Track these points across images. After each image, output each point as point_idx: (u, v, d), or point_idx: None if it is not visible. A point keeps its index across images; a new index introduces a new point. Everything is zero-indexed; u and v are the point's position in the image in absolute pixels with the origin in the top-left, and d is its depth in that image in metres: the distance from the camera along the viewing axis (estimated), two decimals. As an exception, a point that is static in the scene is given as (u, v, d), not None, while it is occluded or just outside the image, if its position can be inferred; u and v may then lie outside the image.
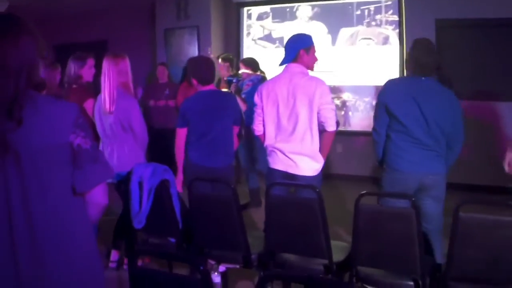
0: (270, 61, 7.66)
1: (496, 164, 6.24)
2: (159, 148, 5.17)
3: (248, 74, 5.73)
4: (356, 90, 7.25)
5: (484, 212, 2.49)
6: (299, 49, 3.44)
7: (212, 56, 6.96)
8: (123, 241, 3.94)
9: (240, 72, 5.88)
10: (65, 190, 1.65)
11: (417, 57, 3.21)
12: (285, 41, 3.57)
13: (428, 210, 3.17)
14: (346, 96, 7.32)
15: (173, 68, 7.83)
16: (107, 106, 3.62)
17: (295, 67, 3.46)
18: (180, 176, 3.76)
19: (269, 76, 7.48)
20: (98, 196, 1.71)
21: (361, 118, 7.28)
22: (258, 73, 5.85)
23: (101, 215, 1.80)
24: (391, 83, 3.43)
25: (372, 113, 7.19)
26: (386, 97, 3.29)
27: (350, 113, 7.32)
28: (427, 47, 3.26)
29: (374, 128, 3.44)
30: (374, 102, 7.22)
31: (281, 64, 3.54)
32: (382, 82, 6.95)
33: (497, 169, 6.21)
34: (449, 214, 2.61)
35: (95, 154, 1.69)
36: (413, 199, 2.69)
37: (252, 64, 5.83)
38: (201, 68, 3.80)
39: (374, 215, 2.73)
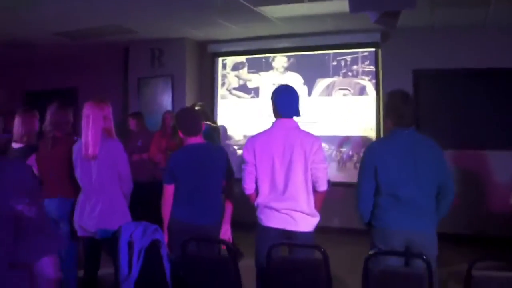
0: (246, 111, 7.67)
1: (482, 212, 6.28)
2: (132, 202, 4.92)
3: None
4: (333, 140, 7.19)
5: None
6: (299, 103, 3.33)
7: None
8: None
9: None
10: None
11: (397, 107, 3.07)
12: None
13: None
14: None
15: (146, 118, 7.64)
16: (90, 150, 3.47)
17: (292, 122, 3.31)
18: (166, 235, 3.48)
19: (230, 126, 7.49)
20: (46, 269, 1.52)
21: (337, 169, 7.19)
22: (208, 122, 5.56)
23: None
24: (377, 143, 3.19)
25: (349, 164, 7.32)
26: (376, 158, 3.04)
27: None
28: (405, 96, 3.15)
29: (359, 197, 3.12)
30: (350, 152, 7.20)
31: (285, 117, 3.30)
32: (358, 133, 7.16)
33: (482, 217, 6.25)
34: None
35: (40, 224, 1.51)
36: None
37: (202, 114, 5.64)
38: (186, 119, 3.61)
39: (386, 276, 2.58)
